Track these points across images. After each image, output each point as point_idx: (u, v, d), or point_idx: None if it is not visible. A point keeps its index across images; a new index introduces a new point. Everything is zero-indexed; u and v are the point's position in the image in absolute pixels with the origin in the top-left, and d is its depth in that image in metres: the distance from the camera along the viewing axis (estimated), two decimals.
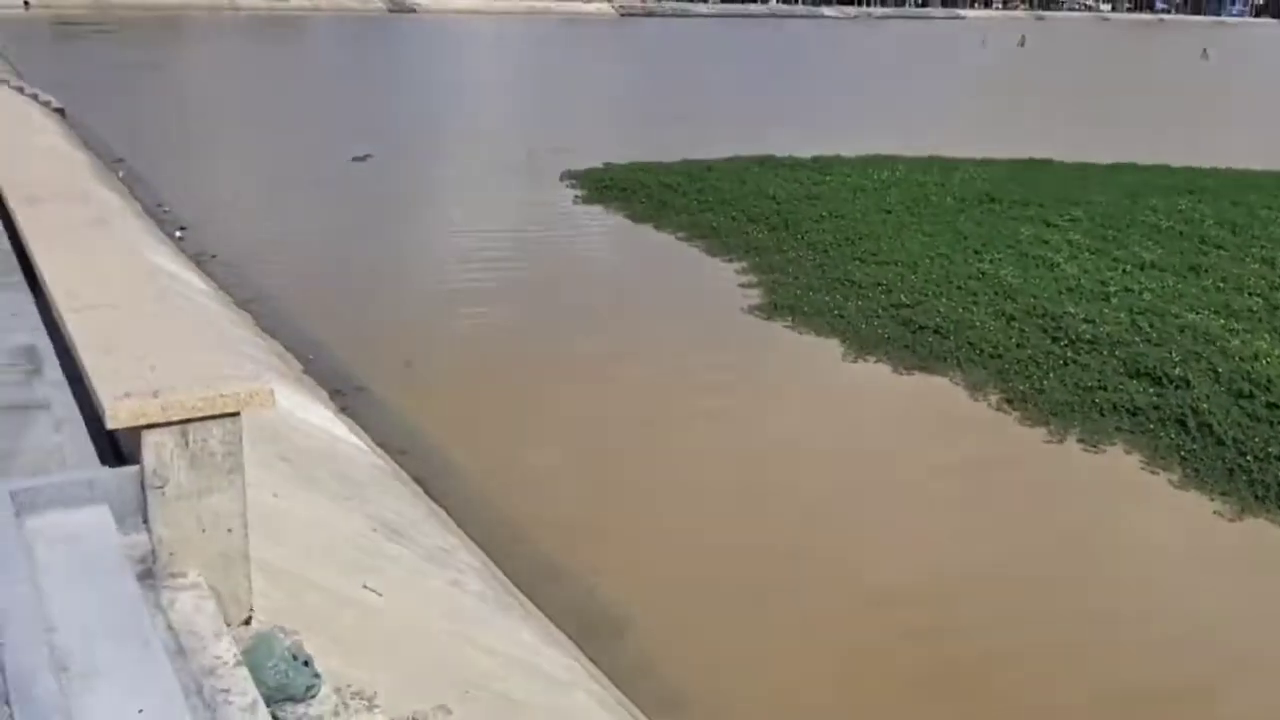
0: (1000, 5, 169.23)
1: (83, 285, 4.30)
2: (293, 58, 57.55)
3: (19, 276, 5.95)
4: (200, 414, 3.17)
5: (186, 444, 3.18)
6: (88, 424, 3.97)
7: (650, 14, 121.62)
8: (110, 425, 3.07)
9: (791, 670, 6.78)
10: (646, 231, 18.24)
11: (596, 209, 19.85)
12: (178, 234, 15.15)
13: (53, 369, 4.54)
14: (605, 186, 21.29)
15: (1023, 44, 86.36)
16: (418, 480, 8.81)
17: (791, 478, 9.27)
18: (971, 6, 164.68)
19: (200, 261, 14.02)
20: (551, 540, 8.16)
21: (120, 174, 18.72)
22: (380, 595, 5.20)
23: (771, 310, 13.52)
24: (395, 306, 13.83)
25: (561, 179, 22.23)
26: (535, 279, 15.48)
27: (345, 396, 10.42)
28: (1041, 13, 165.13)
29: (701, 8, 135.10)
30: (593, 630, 7.03)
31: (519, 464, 9.38)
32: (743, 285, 14.73)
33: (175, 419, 3.14)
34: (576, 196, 20.76)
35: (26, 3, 75.39)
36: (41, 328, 5.07)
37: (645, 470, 9.36)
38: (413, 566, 6.15)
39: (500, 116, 35.35)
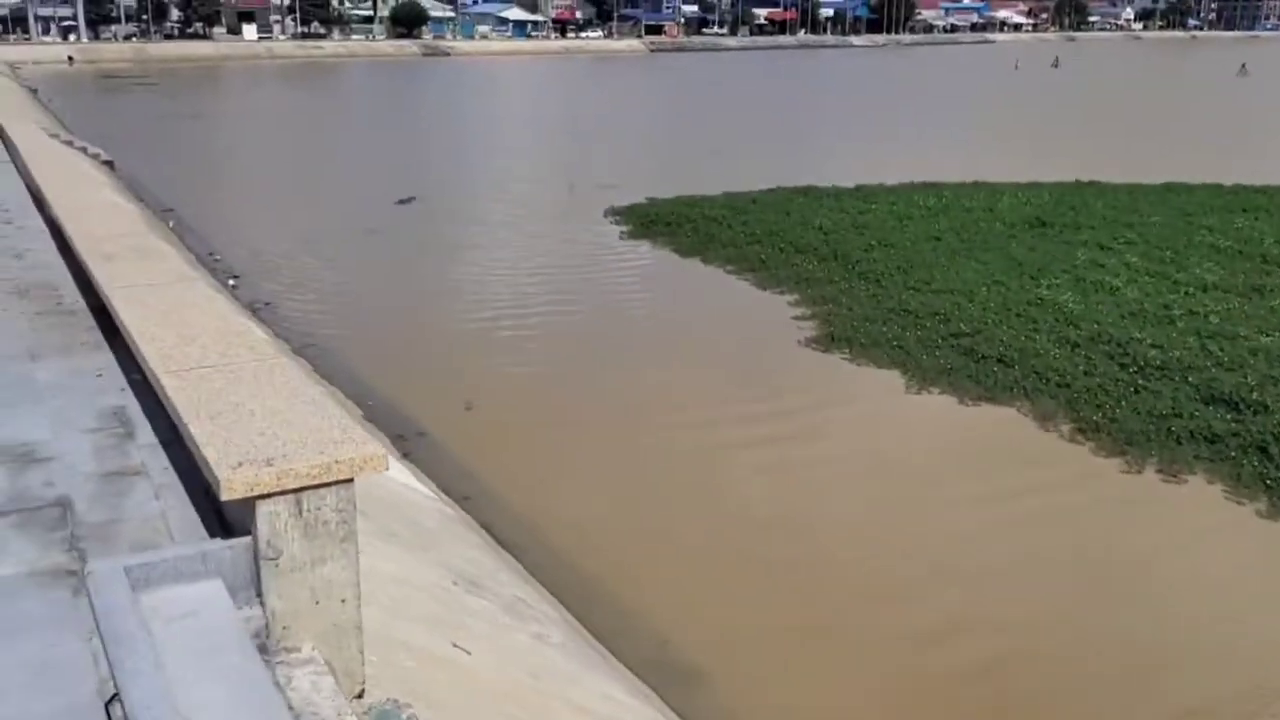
0: (1030, 28, 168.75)
1: (175, 346, 4.23)
2: (332, 102, 58.39)
3: (99, 335, 5.92)
4: (315, 482, 3.06)
5: (300, 513, 3.07)
6: (187, 489, 3.89)
7: (681, 49, 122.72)
8: (225, 497, 2.97)
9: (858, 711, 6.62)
10: (694, 265, 18.14)
11: (643, 244, 19.79)
12: (231, 283, 15.24)
13: (145, 432, 4.47)
14: (650, 221, 21.24)
15: (1056, 65, 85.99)
16: (485, 527, 8.69)
17: (863, 516, 9.06)
18: (1000, 30, 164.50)
19: (255, 310, 14.07)
20: (621, 584, 8.02)
21: (171, 224, 18.92)
22: (469, 654, 5.07)
23: (829, 342, 13.32)
24: (448, 349, 13.79)
25: (605, 215, 22.23)
26: (587, 316, 15.40)
27: (407, 442, 10.34)
28: (1072, 34, 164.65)
29: (731, 41, 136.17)
30: (670, 678, 6.87)
31: (582, 506, 9.24)
32: (796, 317, 14.55)
33: (289, 488, 3.03)
34: (622, 232, 20.72)
35: (70, 58, 77.35)
36: (128, 388, 5.01)
37: (711, 510, 9.18)
38: (494, 620, 6.01)
39: (540, 154, 35.57)
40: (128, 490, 3.94)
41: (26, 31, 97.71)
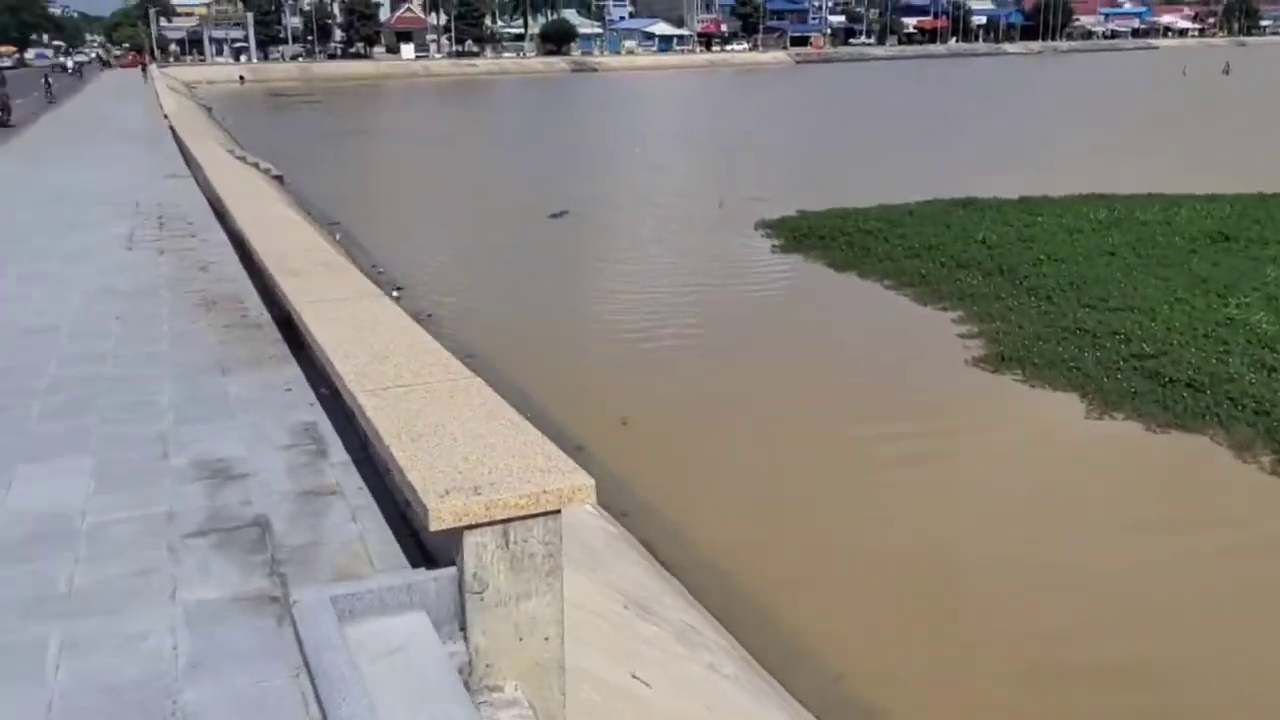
0: (1196, 33, 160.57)
1: (369, 364, 4.18)
2: (485, 118, 59.85)
3: (284, 348, 6.00)
4: (522, 512, 2.91)
5: (507, 545, 2.92)
6: (382, 511, 3.81)
7: (827, 60, 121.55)
8: (434, 527, 2.85)
9: None
10: (850, 280, 17.66)
11: (795, 258, 19.42)
12: (394, 294, 15.57)
13: (337, 450, 4.44)
14: (802, 235, 20.85)
15: (1227, 72, 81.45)
16: (645, 545, 8.53)
17: (1041, 548, 8.51)
18: (1164, 36, 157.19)
19: (418, 321, 14.30)
20: (787, 612, 7.73)
21: (338, 236, 19.53)
22: (649, 686, 4.88)
23: (998, 362, 12.69)
24: (602, 362, 13.73)
25: (756, 228, 21.95)
26: (740, 331, 15.14)
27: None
28: (1242, 38, 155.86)
29: (879, 51, 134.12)
30: (847, 716, 6.55)
31: (740, 527, 8.98)
32: (962, 335, 13.94)
33: (497, 519, 2.89)
34: (774, 246, 20.40)
35: (241, 78, 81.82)
36: (317, 403, 5.02)
37: (877, 535, 8.79)
38: (667, 648, 5.82)
39: (687, 167, 35.53)
40: (324, 511, 3.88)
41: (202, 53, 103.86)
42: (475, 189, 30.15)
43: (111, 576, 3.54)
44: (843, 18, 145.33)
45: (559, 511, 2.97)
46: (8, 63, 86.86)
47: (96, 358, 6.20)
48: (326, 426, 4.73)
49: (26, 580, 3.54)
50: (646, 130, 50.65)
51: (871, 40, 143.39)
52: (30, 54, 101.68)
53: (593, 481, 3.07)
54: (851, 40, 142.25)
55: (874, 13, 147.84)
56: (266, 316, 6.80)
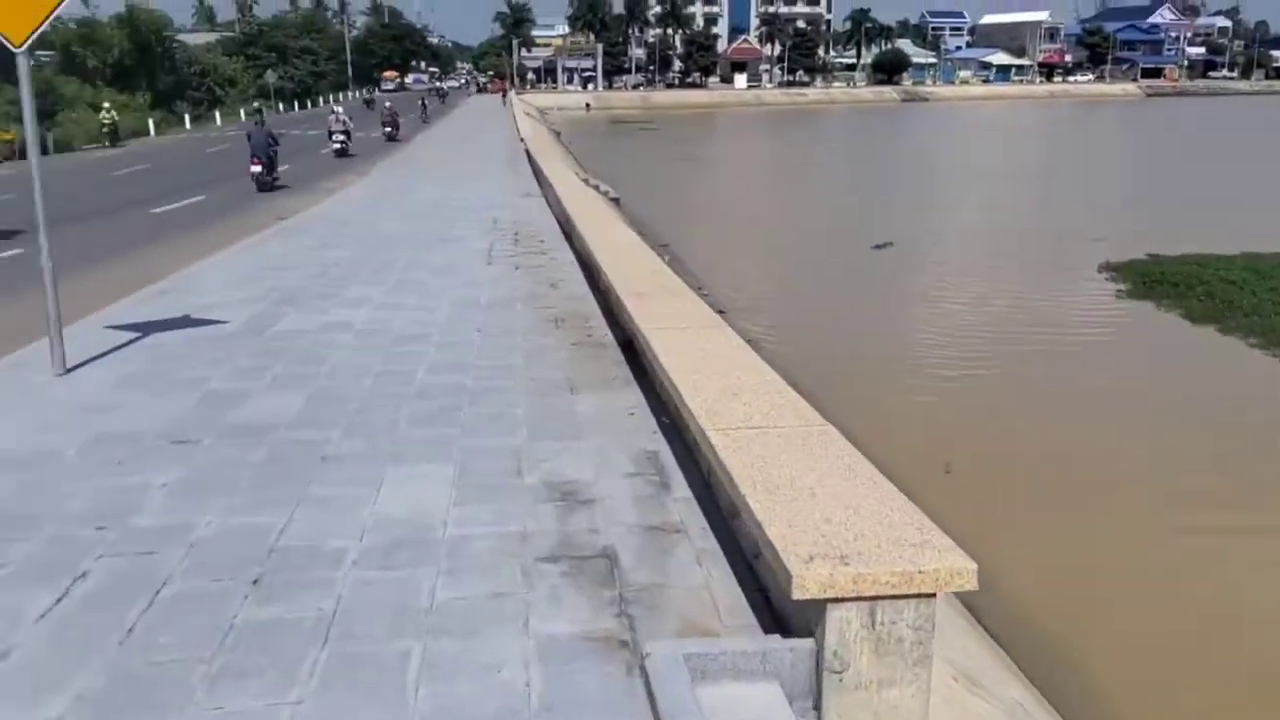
0: None
1: (718, 400, 4.08)
2: (812, 146, 59.89)
3: (626, 370, 6.07)
4: (893, 591, 2.67)
5: (873, 625, 2.69)
6: (726, 556, 3.69)
7: (1182, 93, 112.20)
8: (797, 596, 2.66)
9: None
10: (1209, 335, 15.93)
11: (1144, 306, 17.80)
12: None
13: (679, 484, 4.38)
14: (1153, 281, 19.11)
15: None
16: (969, 609, 7.96)
17: None
18: None
19: None
20: (1130, 700, 6.93)
21: (667, 259, 20.01)
22: None
23: None
24: (926, 404, 13.11)
25: (1099, 270, 20.36)
26: (1080, 382, 13.98)
27: None
28: None
29: (1242, 85, 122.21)
30: None
31: (1075, 598, 8.18)
32: None
33: (865, 595, 2.66)
34: (1119, 291, 18.83)
35: (588, 105, 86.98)
36: (658, 431, 5.01)
37: (1245, 644, 7.72)
38: None
39: (1023, 202, 33.71)
40: (670, 550, 3.81)
41: (555, 81, 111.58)
42: (799, 216, 30.10)
43: (469, 595, 3.62)
44: (1202, 49, 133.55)
45: (934, 595, 2.70)
46: (390, 86, 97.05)
47: (459, 367, 6.56)
48: (668, 456, 4.69)
49: (393, 590, 3.68)
50: (977, 162, 48.71)
51: (1234, 74, 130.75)
52: (409, 79, 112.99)
53: (974, 566, 2.77)
54: (1211, 73, 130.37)
55: (1239, 44, 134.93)
56: (610, 337, 6.95)
